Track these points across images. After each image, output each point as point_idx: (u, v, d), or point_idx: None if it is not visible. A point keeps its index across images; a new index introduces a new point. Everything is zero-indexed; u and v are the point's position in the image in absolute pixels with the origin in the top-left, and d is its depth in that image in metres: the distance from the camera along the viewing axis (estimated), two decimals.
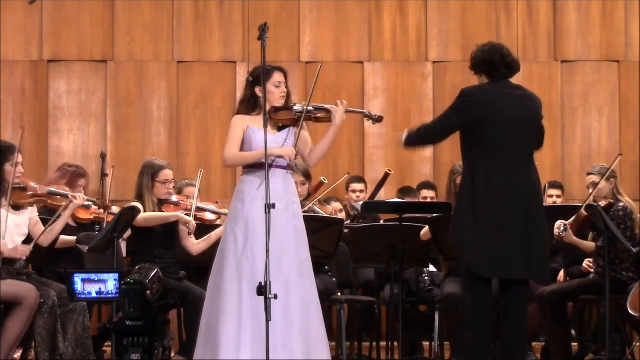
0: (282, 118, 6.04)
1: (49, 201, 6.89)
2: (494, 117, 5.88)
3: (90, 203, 7.39)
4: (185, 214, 7.20)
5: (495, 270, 5.90)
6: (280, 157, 5.87)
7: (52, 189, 6.95)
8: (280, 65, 6.15)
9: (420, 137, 6.12)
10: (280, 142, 5.98)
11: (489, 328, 6.02)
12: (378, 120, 6.21)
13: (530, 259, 5.88)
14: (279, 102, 6.04)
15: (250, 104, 6.08)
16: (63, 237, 7.17)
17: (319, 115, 6.09)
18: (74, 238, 7.36)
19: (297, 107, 6.08)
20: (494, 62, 5.99)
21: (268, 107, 5.98)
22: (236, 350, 5.73)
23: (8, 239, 6.68)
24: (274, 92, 6.01)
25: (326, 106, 6.10)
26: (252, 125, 6.01)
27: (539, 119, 6.07)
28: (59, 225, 6.87)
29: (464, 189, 5.98)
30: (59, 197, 6.90)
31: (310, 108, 6.05)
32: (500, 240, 5.84)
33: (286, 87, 6.08)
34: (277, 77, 6.03)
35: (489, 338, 6.06)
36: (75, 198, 6.87)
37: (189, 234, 7.22)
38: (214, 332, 5.82)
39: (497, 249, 5.84)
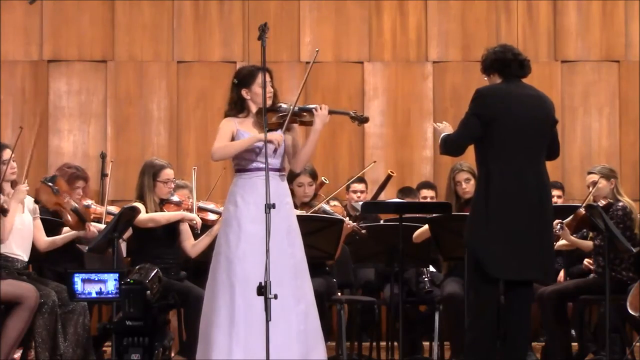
0: (269, 121, 5.94)
1: (67, 216, 6.89)
2: (509, 115, 5.87)
3: (91, 203, 7.41)
4: None
5: (508, 271, 5.89)
6: (270, 142, 5.74)
7: (77, 206, 6.93)
8: (264, 66, 5.97)
9: (447, 149, 6.10)
10: (270, 145, 5.90)
11: (491, 328, 6.02)
12: (364, 120, 6.11)
13: (542, 260, 5.89)
14: (267, 103, 5.97)
15: (237, 107, 6.02)
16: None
17: (304, 119, 6.02)
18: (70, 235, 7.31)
19: (284, 106, 6.04)
20: (506, 59, 5.98)
21: (255, 109, 5.98)
22: (228, 351, 5.74)
23: (12, 239, 6.68)
24: (260, 94, 5.92)
25: (311, 106, 6.03)
26: (241, 128, 5.98)
27: (552, 120, 6.08)
28: (59, 242, 6.97)
29: (479, 188, 5.97)
30: (79, 218, 6.90)
31: (296, 109, 5.99)
32: (514, 240, 5.83)
33: (272, 87, 6.01)
34: (262, 77, 5.93)
35: (491, 338, 6.06)
36: (88, 228, 6.88)
37: (197, 230, 7.22)
38: (209, 333, 5.83)
39: (511, 250, 5.83)
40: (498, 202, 5.83)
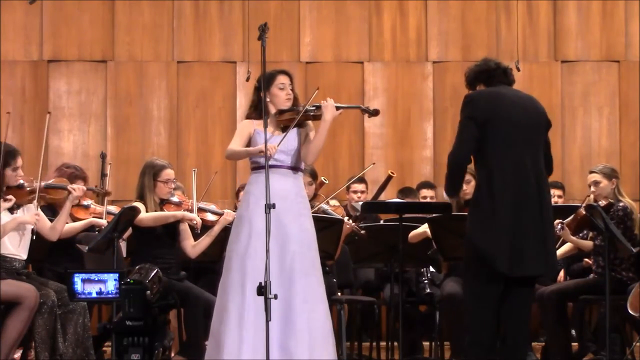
0: (285, 119, 6.06)
1: (48, 195, 6.89)
2: (503, 115, 5.89)
3: (90, 202, 7.40)
4: None
5: (515, 267, 5.88)
6: (261, 152, 5.81)
7: (48, 182, 6.95)
8: (285, 69, 6.19)
9: (454, 162, 6.05)
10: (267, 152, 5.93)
11: (491, 328, 6.02)
12: (374, 113, 6.19)
13: (545, 254, 5.89)
14: (285, 105, 6.09)
15: (258, 110, 6.09)
16: (68, 226, 7.13)
17: (316, 114, 6.11)
18: (79, 224, 7.28)
19: (301, 109, 6.11)
20: (490, 68, 6.08)
21: (274, 110, 6.06)
22: (238, 350, 5.75)
23: (11, 238, 6.68)
24: (279, 95, 6.07)
25: (319, 103, 6.10)
26: (259, 127, 6.05)
27: (545, 119, 6.09)
28: (63, 218, 6.90)
29: (481, 188, 5.96)
30: (56, 189, 6.90)
31: (308, 107, 6.07)
32: (519, 237, 5.83)
33: (292, 90, 6.10)
34: (281, 79, 6.09)
35: (491, 338, 6.06)
36: (74, 190, 6.88)
37: (197, 230, 7.22)
38: (219, 331, 5.86)
39: (517, 246, 5.83)
40: (502, 199, 5.83)
